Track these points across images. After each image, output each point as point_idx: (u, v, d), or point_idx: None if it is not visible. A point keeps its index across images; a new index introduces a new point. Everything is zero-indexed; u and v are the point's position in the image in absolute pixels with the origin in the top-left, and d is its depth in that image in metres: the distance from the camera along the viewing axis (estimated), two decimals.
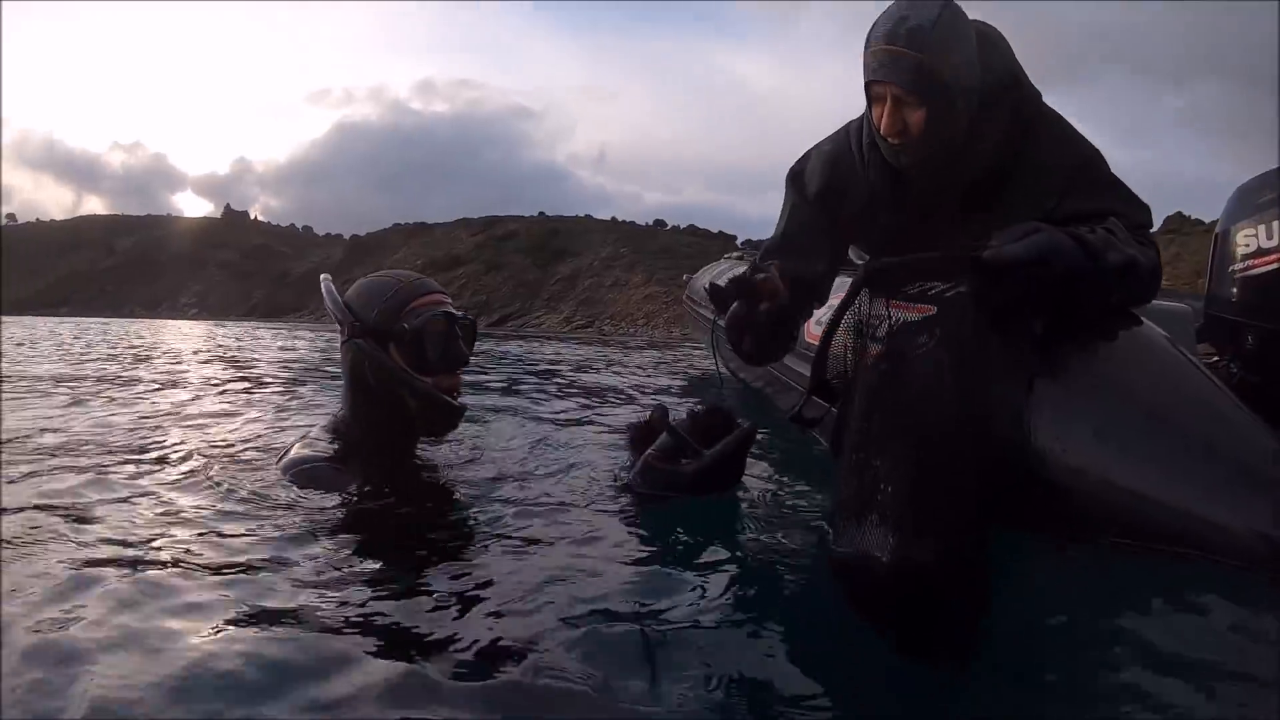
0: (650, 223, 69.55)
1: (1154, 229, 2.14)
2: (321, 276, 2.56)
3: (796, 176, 2.39)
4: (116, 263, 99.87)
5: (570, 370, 9.30)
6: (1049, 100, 2.18)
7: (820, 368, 1.96)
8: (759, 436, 2.18)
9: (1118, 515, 1.70)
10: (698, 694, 1.20)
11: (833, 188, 2.28)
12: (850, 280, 1.87)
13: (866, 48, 1.96)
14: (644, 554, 1.78)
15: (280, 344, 14.00)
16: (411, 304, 2.30)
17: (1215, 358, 2.84)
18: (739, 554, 1.83)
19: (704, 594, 1.56)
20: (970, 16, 2.04)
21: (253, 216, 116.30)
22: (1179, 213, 38.14)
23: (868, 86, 2.00)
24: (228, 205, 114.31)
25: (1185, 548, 1.61)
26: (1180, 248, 30.40)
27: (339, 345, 2.39)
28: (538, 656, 1.27)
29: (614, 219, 72.55)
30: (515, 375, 8.17)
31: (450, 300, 2.42)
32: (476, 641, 1.33)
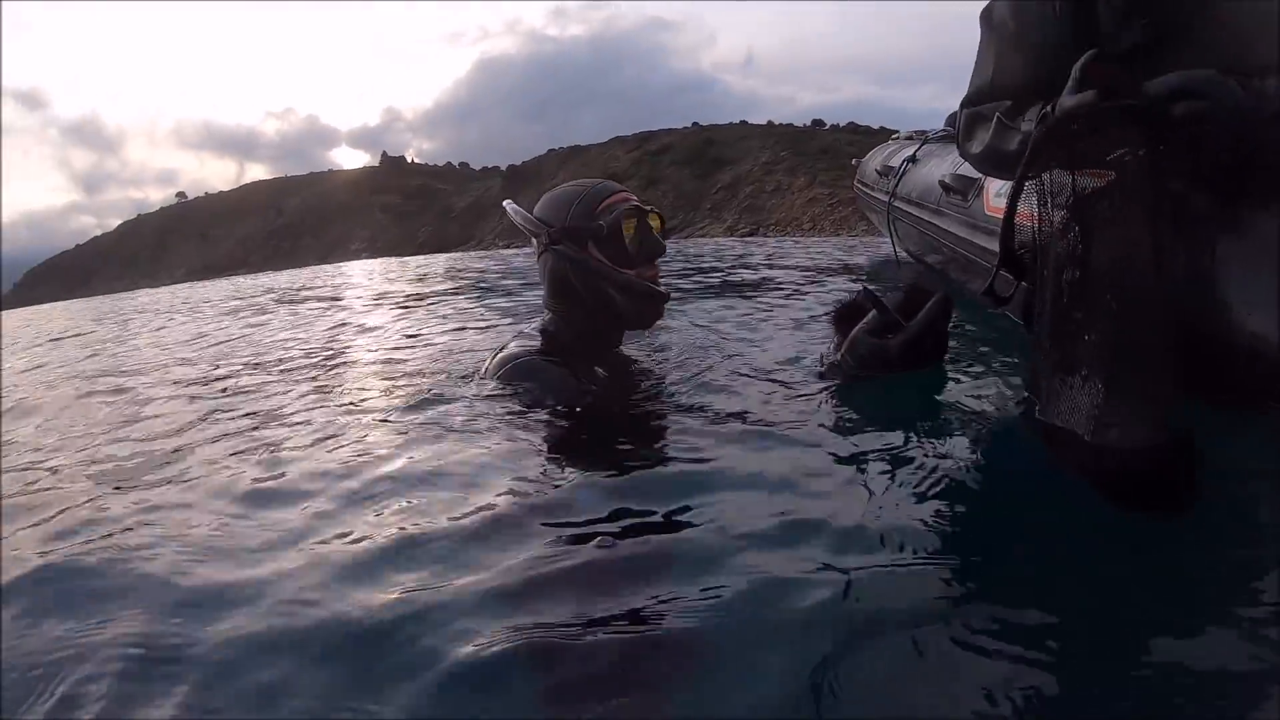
0: (808, 124, 67.96)
1: None
2: (504, 203, 2.69)
3: (988, 16, 2.24)
4: (286, 222, 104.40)
5: (749, 266, 9.15)
6: None
7: (1008, 240, 1.89)
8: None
9: None
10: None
11: (1024, 27, 2.15)
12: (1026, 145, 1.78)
13: None
14: (850, 450, 1.84)
15: (456, 267, 14.29)
16: (602, 203, 2.43)
17: None
18: (939, 447, 1.87)
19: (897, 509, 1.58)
20: None
21: (410, 160, 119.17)
22: None
23: None
24: (384, 153, 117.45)
25: None
26: None
27: (536, 257, 2.50)
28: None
29: (770, 123, 71.20)
30: (696, 273, 8.24)
31: (635, 198, 2.52)
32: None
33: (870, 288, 2.21)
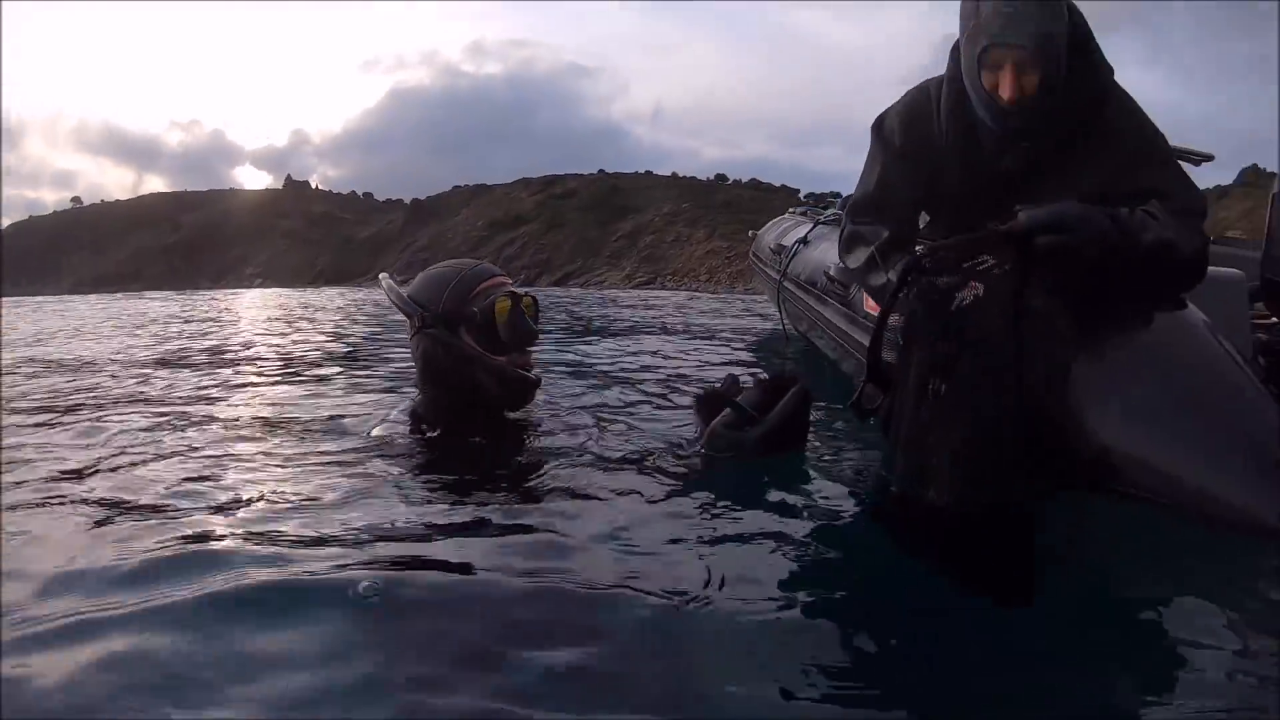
0: (712, 177, 69.19)
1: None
2: (380, 275, 2.59)
3: (879, 128, 2.33)
4: (182, 238, 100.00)
5: (637, 325, 9.61)
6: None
7: (876, 356, 1.93)
8: (822, 400, 2.13)
9: (1143, 488, 1.76)
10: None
11: (914, 140, 2.26)
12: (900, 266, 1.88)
13: (975, 14, 1.95)
14: (702, 519, 1.83)
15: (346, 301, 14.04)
16: (476, 288, 2.33)
17: (1272, 320, 2.90)
18: (791, 517, 1.86)
19: (743, 565, 1.58)
20: None
21: (314, 186, 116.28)
22: (1254, 165, 36.61)
23: (981, 52, 1.97)
24: (289, 176, 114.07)
25: (1206, 521, 1.69)
26: (1256, 201, 29.63)
27: (409, 338, 2.41)
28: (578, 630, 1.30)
29: (675, 174, 72.29)
30: (583, 331, 8.64)
31: (510, 280, 2.45)
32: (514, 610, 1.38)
33: (736, 375, 2.28)
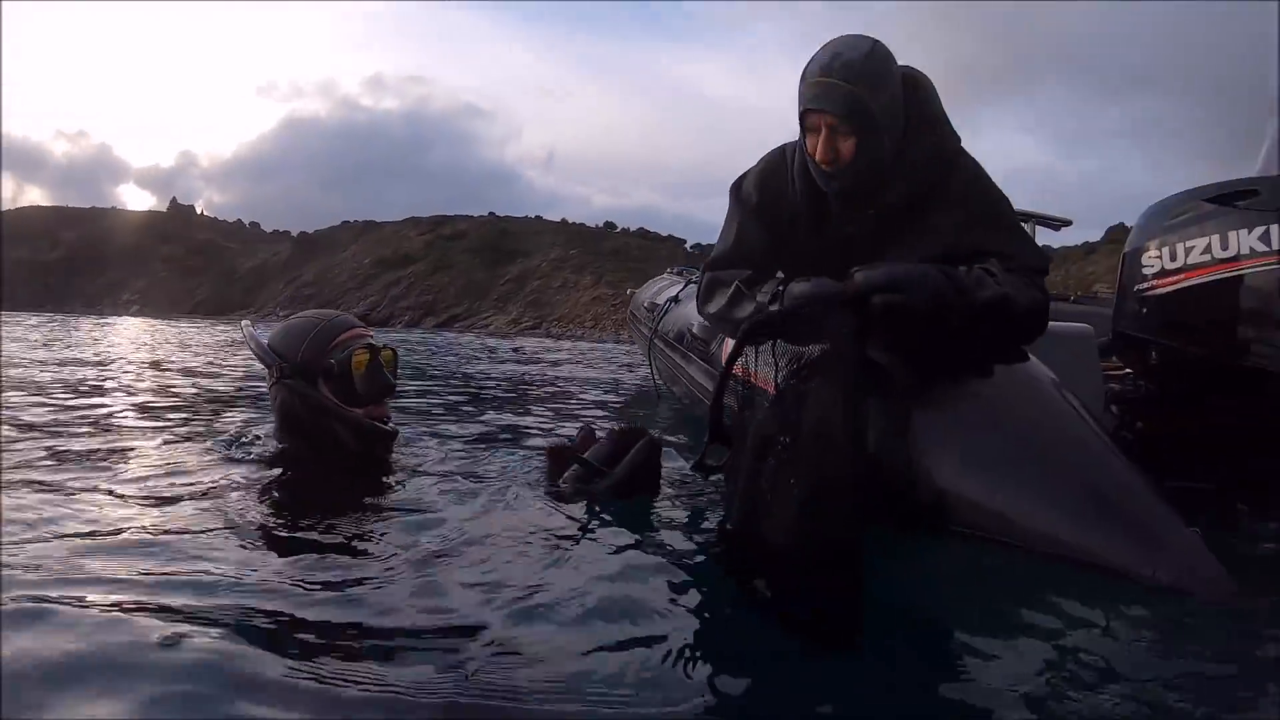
0: (600, 225, 69.81)
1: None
2: (241, 323, 2.59)
3: (737, 189, 2.43)
4: (60, 256, 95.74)
5: (512, 375, 9.55)
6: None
7: (717, 415, 1.99)
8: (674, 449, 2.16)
9: (980, 528, 1.83)
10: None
11: (767, 200, 2.35)
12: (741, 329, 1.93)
13: (802, 81, 2.08)
14: (534, 554, 1.83)
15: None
16: (335, 340, 2.34)
17: (1124, 371, 3.04)
18: (640, 558, 1.85)
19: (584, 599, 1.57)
20: (902, 61, 2.18)
21: (199, 211, 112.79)
22: (1121, 224, 38.23)
23: (803, 116, 2.11)
24: (174, 199, 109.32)
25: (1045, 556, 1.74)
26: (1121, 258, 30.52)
27: (268, 389, 2.41)
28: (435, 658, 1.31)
29: (564, 220, 72.54)
30: (457, 377, 8.60)
31: (370, 333, 2.44)
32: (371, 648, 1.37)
33: (592, 428, 2.37)
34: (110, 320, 29.07)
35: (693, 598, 1.63)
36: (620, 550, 1.88)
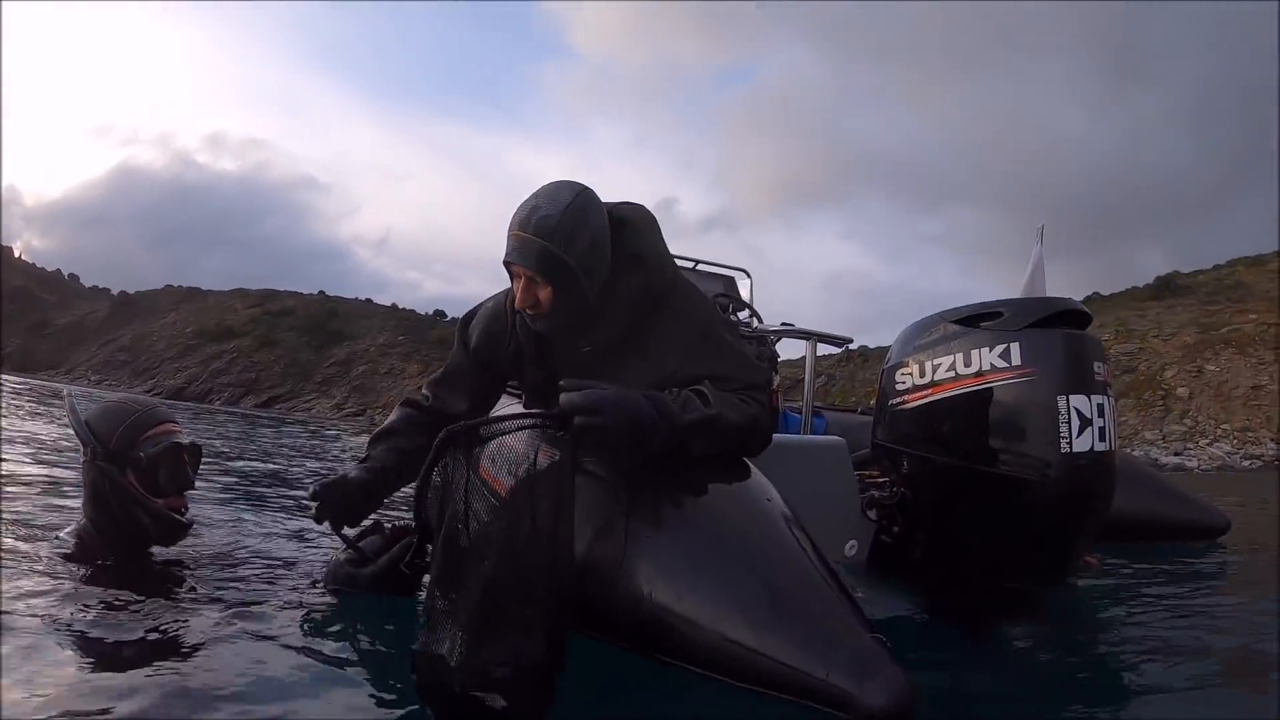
0: (430, 312, 69.34)
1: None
2: (65, 391, 2.83)
3: (464, 326, 2.56)
4: None
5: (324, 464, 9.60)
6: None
7: (421, 516, 2.08)
8: None
9: (705, 655, 1.78)
10: None
11: (487, 343, 2.47)
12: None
13: (508, 232, 2.15)
14: (302, 654, 1.94)
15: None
16: (147, 433, 2.49)
17: (881, 479, 3.18)
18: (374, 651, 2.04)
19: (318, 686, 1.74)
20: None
21: (16, 254, 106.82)
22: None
23: (506, 264, 2.20)
24: None
25: (766, 688, 1.69)
26: None
27: (81, 463, 2.55)
28: None
29: (394, 305, 71.69)
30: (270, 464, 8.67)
31: (180, 429, 2.61)
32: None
33: (381, 522, 2.51)
34: None
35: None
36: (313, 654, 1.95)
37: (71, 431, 2.57)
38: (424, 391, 2.61)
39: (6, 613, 1.84)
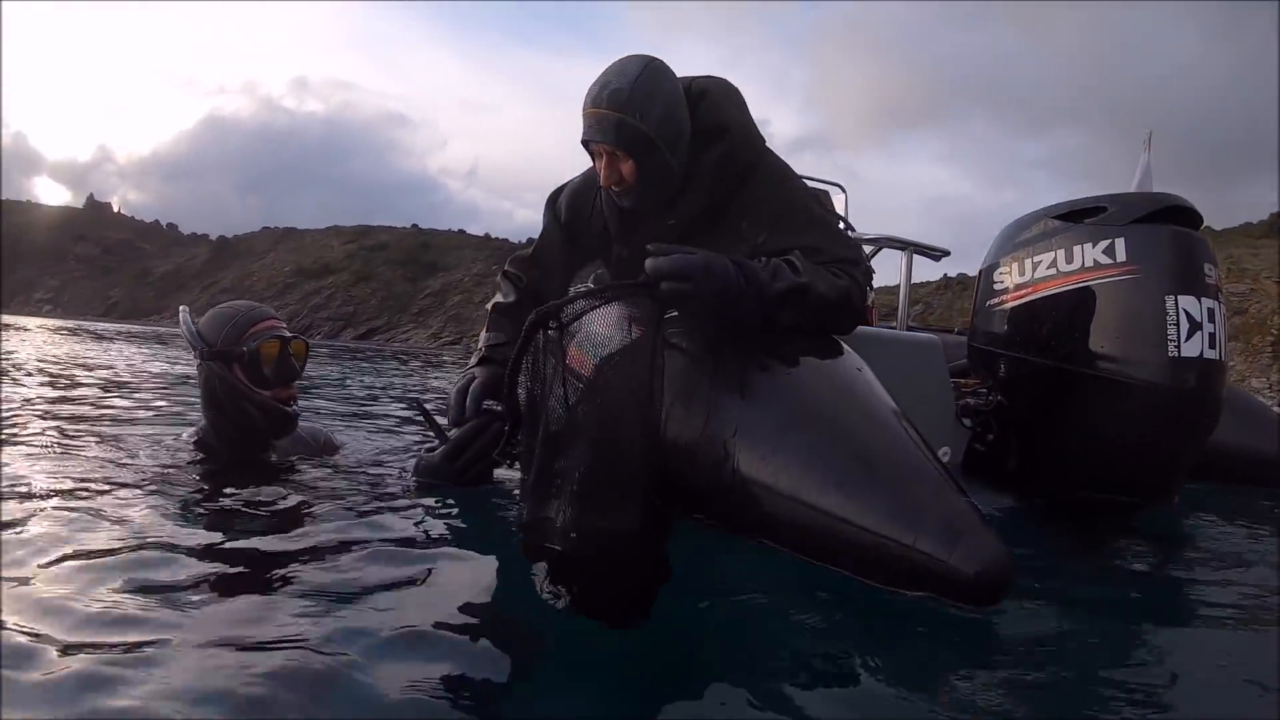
0: (523, 241, 69.79)
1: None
2: (180, 308, 2.83)
3: (551, 202, 2.56)
4: None
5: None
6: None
7: (512, 400, 1.97)
8: None
9: (793, 525, 1.74)
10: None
11: (575, 220, 2.46)
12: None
13: (582, 111, 2.15)
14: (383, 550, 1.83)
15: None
16: (250, 330, 2.59)
17: (980, 387, 3.04)
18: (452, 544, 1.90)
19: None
20: (726, 76, 2.28)
21: (115, 209, 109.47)
22: None
23: (585, 144, 2.20)
24: (90, 195, 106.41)
25: (854, 564, 1.63)
26: None
27: (195, 368, 2.68)
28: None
29: (487, 235, 72.27)
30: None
31: (284, 325, 2.71)
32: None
33: (421, 399, 2.50)
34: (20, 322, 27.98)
35: (490, 598, 1.61)
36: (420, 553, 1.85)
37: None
38: (511, 270, 2.60)
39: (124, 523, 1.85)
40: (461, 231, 73.74)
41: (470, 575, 1.70)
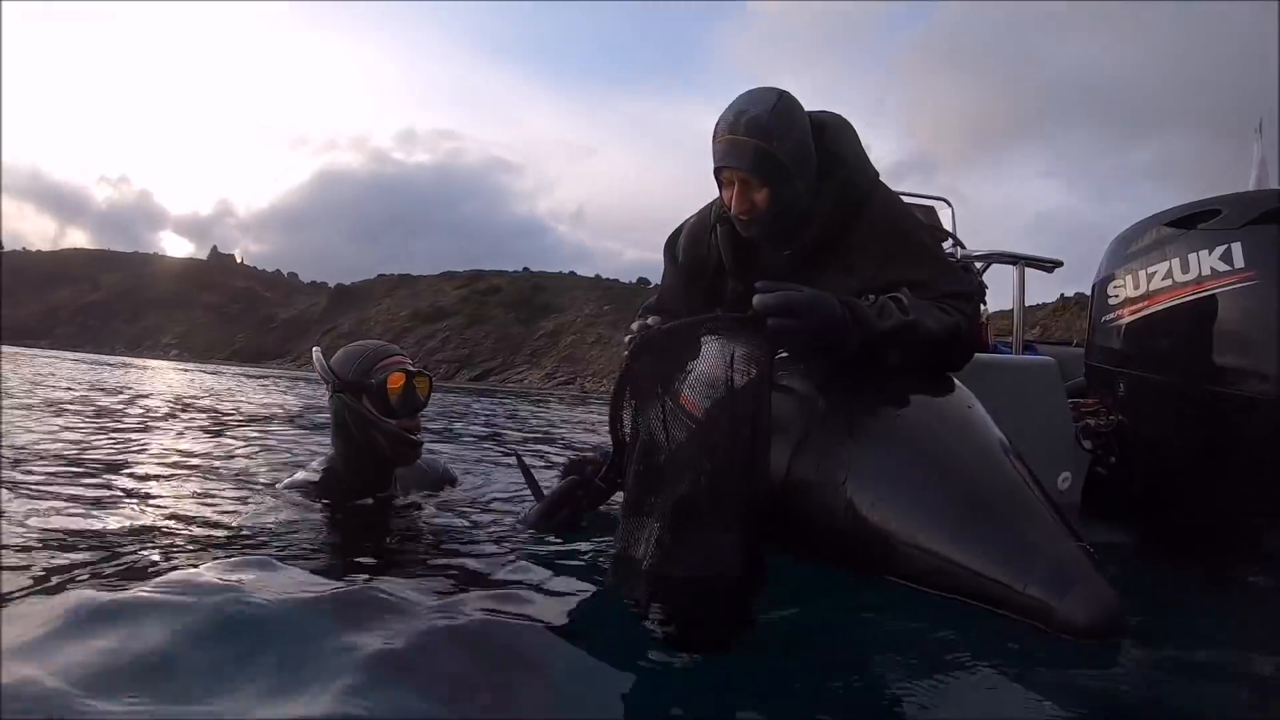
0: (634, 280, 70.42)
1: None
2: (314, 349, 3.05)
3: (670, 245, 2.56)
4: (101, 298, 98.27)
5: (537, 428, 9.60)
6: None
7: (616, 430, 1.93)
8: None
9: (906, 566, 1.72)
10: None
11: (693, 257, 2.46)
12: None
13: (714, 139, 2.14)
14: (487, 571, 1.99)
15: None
16: (378, 364, 2.77)
17: (1097, 407, 2.94)
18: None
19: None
20: (822, 106, 2.27)
21: (238, 259, 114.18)
22: None
23: (716, 172, 2.18)
24: (214, 247, 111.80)
25: (967, 599, 1.61)
26: None
27: (328, 399, 2.87)
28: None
29: (598, 276, 73.14)
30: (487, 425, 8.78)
31: (409, 361, 2.88)
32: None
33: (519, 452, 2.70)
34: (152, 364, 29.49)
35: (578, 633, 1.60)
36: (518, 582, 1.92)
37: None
38: (644, 320, 2.52)
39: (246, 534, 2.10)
40: (572, 273, 74.90)
41: (558, 609, 1.71)
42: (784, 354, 1.94)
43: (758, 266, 2.27)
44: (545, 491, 2.51)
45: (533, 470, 2.91)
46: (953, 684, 1.36)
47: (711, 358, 1.78)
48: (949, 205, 4.64)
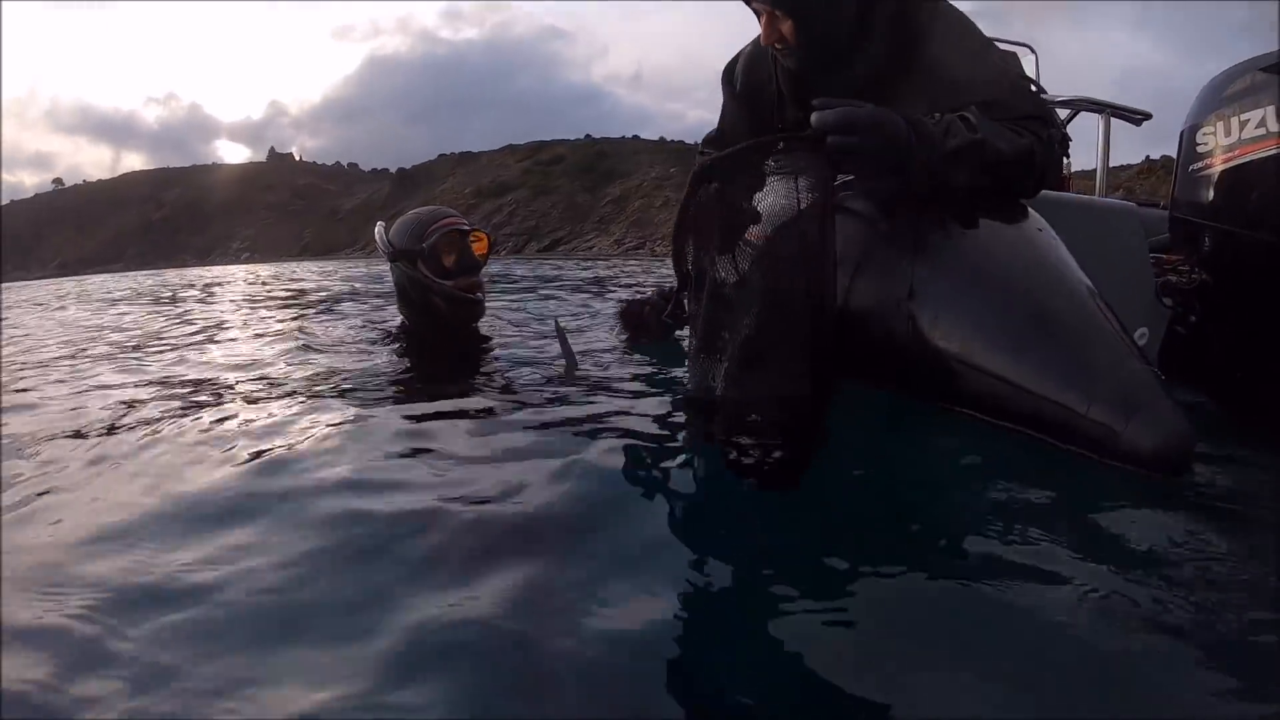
0: (699, 141, 69.42)
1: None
2: (376, 225, 3.07)
3: (727, 74, 2.48)
4: (165, 215, 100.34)
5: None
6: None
7: (680, 265, 1.85)
8: None
9: (967, 389, 1.69)
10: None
11: (751, 87, 2.39)
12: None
13: None
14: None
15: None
16: (430, 228, 2.81)
17: (1183, 263, 2.80)
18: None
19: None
20: None
21: (297, 157, 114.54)
22: None
23: (747, 3, 2.14)
24: (271, 148, 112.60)
25: (1029, 429, 1.57)
26: None
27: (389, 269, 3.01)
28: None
29: (662, 139, 72.12)
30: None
31: (464, 221, 2.90)
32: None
33: (559, 319, 2.79)
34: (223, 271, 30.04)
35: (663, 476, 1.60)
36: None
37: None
38: (704, 150, 2.54)
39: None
40: (635, 137, 73.68)
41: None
42: (846, 178, 1.90)
43: (817, 94, 2.03)
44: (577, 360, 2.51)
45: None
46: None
47: (777, 192, 1.70)
48: (1032, 52, 4.36)
